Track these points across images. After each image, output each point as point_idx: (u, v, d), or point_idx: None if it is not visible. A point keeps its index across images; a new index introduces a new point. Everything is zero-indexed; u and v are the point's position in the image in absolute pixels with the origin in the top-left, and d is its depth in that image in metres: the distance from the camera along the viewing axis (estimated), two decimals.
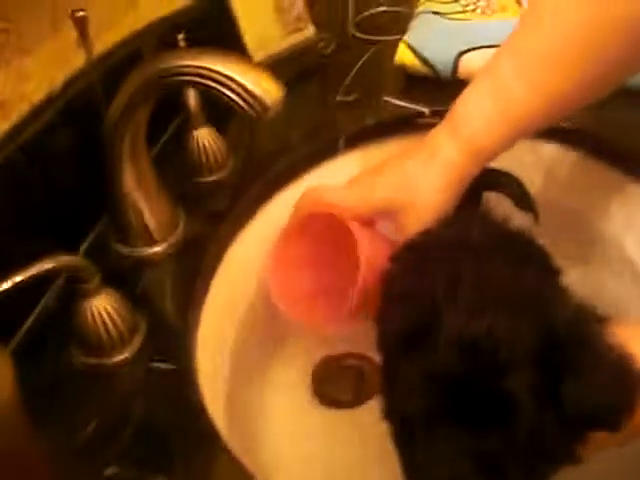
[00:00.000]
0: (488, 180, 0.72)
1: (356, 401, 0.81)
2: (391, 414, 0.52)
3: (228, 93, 0.63)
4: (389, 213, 0.68)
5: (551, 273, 0.64)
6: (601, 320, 0.52)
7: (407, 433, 0.50)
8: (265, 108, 0.63)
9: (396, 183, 0.68)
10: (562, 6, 0.66)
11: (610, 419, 0.47)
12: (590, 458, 0.51)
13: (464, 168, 0.68)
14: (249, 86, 0.62)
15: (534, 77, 0.66)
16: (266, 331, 0.82)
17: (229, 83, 0.63)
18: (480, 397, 0.46)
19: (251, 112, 0.63)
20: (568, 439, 0.49)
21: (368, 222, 0.69)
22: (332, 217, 0.66)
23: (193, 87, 0.80)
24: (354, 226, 0.65)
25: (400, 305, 0.54)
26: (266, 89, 0.63)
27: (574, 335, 0.48)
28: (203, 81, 0.64)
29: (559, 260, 0.63)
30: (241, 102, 0.63)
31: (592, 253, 0.87)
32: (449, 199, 0.68)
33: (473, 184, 0.70)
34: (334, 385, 0.82)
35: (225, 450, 0.58)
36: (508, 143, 0.69)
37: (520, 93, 0.66)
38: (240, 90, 0.62)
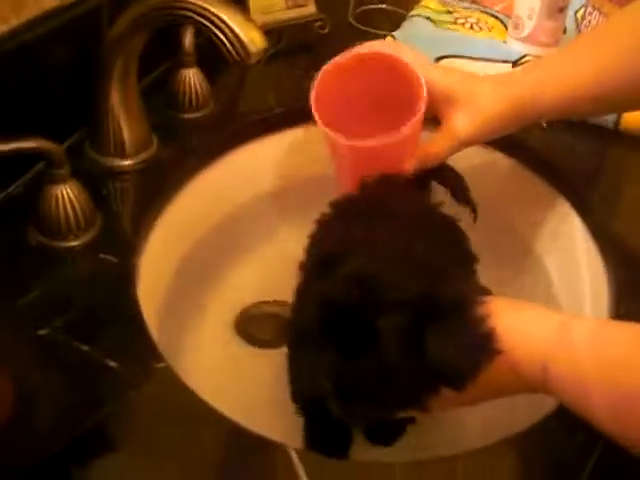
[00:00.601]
0: (435, 171, 0.80)
1: (276, 343, 0.88)
2: (290, 324, 0.60)
3: (218, 33, 0.70)
4: (446, 98, 0.75)
5: (464, 256, 0.73)
6: (484, 293, 0.59)
7: (294, 344, 0.58)
8: (248, 54, 0.71)
9: (466, 82, 0.75)
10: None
11: (457, 378, 0.53)
12: (437, 412, 0.59)
13: (521, 106, 0.74)
14: (237, 31, 0.70)
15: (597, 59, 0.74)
16: (209, 263, 0.90)
17: (220, 25, 0.70)
18: (357, 328, 0.53)
19: (235, 55, 0.71)
20: (421, 387, 0.55)
21: None
22: (397, 65, 0.73)
23: (188, 23, 0.86)
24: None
25: (327, 237, 0.64)
26: (252, 38, 0.71)
27: (452, 301, 0.54)
28: (198, 18, 0.71)
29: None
30: (227, 44, 0.70)
31: (513, 261, 0.96)
32: (497, 120, 0.75)
33: (422, 173, 0.78)
34: (258, 326, 0.90)
35: (145, 335, 0.65)
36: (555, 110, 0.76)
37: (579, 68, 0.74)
38: (229, 33, 0.70)
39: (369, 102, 0.77)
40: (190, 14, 0.72)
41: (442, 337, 0.53)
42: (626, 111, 0.91)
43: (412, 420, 0.68)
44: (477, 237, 0.76)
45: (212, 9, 0.70)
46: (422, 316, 0.53)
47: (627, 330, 0.53)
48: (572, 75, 0.74)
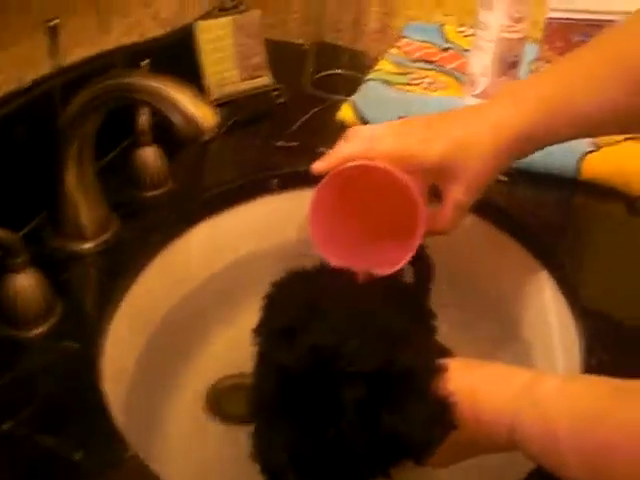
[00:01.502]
0: None
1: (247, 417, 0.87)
2: (251, 393, 0.59)
3: (169, 113, 0.71)
4: (439, 172, 0.70)
5: (422, 314, 0.73)
6: (444, 354, 0.59)
7: (255, 414, 0.57)
8: (201, 131, 0.71)
9: (452, 149, 0.69)
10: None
11: (415, 453, 0.53)
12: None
13: (515, 131, 0.68)
14: (188, 109, 0.70)
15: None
16: (175, 341, 0.88)
17: (171, 104, 0.70)
18: (316, 399, 0.53)
19: (188, 133, 0.71)
20: (381, 459, 0.54)
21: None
22: (383, 171, 0.70)
23: (139, 104, 0.87)
24: (411, 184, 0.69)
25: (284, 304, 0.64)
26: (203, 114, 0.71)
27: (407, 373, 0.54)
28: (148, 99, 0.72)
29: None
30: (180, 123, 0.71)
31: (481, 317, 0.95)
32: (497, 166, 0.70)
33: None
34: (228, 400, 0.88)
35: (111, 425, 0.64)
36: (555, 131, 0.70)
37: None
38: (180, 112, 0.70)
39: (365, 206, 0.78)
40: (140, 95, 0.72)
41: (396, 412, 0.52)
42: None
43: None
44: (441, 294, 0.76)
45: (162, 89, 0.70)
46: (379, 389, 0.53)
47: (595, 383, 0.53)
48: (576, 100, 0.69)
